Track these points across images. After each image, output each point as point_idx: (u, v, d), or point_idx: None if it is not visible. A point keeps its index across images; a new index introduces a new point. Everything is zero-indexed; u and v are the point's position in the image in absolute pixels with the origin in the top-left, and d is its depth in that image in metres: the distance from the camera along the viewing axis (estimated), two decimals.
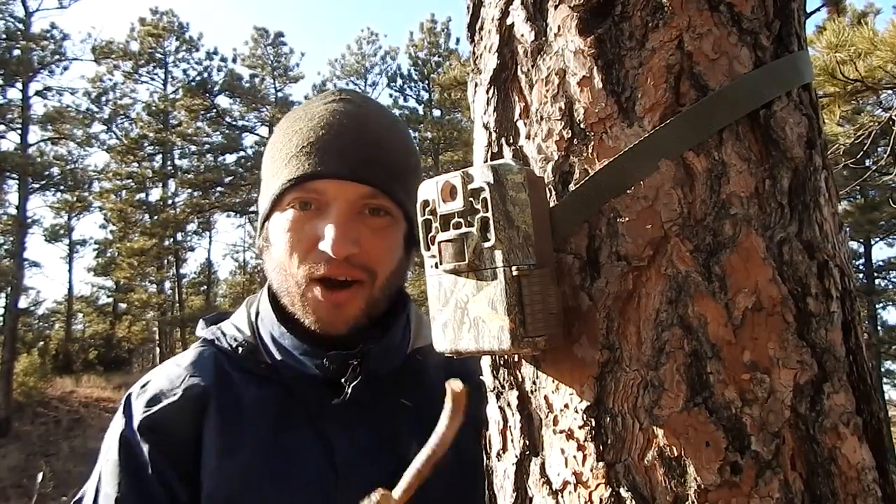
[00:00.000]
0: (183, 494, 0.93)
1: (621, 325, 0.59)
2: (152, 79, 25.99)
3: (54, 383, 21.17)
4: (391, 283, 1.02)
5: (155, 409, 0.97)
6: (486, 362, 0.72)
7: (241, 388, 1.00)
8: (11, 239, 21.74)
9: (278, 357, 1.01)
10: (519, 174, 0.61)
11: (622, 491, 0.57)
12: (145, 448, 0.95)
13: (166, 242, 24.05)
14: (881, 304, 23.16)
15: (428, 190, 0.65)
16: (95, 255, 27.45)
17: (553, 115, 0.64)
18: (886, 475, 0.59)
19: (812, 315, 0.58)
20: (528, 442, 0.65)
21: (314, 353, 0.99)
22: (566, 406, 0.62)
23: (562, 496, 0.61)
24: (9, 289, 20.94)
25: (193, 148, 25.63)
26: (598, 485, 0.59)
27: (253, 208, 23.36)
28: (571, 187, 0.63)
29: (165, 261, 25.54)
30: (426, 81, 27.14)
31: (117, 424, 0.99)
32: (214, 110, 25.32)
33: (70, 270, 27.72)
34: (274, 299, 1.05)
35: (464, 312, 0.63)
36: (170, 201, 25.29)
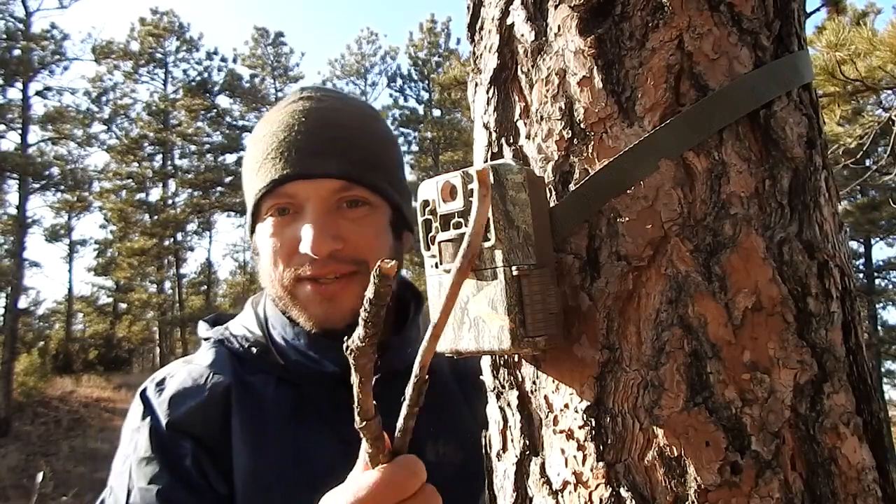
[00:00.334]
0: (222, 489, 0.93)
1: (621, 325, 0.59)
2: (152, 79, 26.01)
3: (54, 383, 21.15)
4: None
5: (184, 407, 0.96)
6: (486, 362, 0.72)
7: (259, 388, 0.99)
8: (11, 239, 21.73)
9: (293, 357, 1.00)
10: (519, 174, 0.61)
11: (622, 491, 0.57)
12: (181, 444, 0.93)
13: (166, 242, 24.05)
14: (881, 304, 23.17)
15: (428, 190, 0.66)
16: (95, 255, 27.45)
17: (553, 115, 0.64)
18: (886, 475, 0.59)
19: (812, 315, 0.58)
20: (528, 442, 0.65)
21: (328, 346, 0.98)
22: (566, 406, 0.62)
23: (562, 496, 0.61)
24: (9, 289, 20.93)
25: (193, 148, 25.63)
26: (598, 485, 0.59)
27: None
28: (571, 187, 0.63)
29: (165, 261, 25.53)
30: (426, 81, 27.14)
31: (141, 422, 0.96)
32: (214, 110, 25.33)
33: (70, 270, 27.74)
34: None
35: (464, 312, 0.63)
36: (170, 201, 25.28)
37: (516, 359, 0.67)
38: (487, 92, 0.71)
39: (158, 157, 25.83)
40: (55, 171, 23.35)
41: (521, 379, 0.66)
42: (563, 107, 0.64)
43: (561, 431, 0.62)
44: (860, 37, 4.85)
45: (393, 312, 1.08)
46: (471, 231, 0.57)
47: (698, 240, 0.58)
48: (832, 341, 0.58)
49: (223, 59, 26.31)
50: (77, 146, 25.03)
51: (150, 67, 25.70)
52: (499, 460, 0.69)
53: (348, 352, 0.59)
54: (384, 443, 0.63)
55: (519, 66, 0.68)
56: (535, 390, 0.65)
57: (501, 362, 0.69)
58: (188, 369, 1.02)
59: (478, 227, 0.57)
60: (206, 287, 29.60)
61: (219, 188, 24.40)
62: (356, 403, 0.60)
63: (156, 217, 24.16)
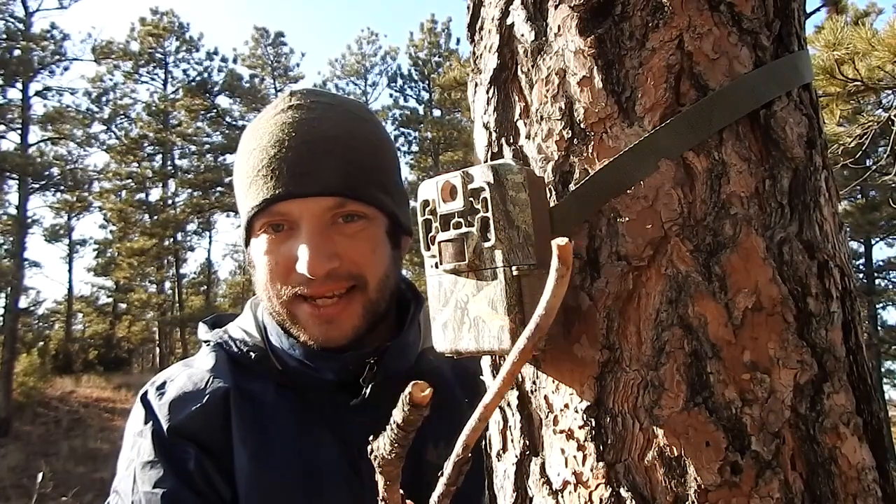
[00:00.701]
0: (225, 492, 0.93)
1: (621, 325, 0.59)
2: (152, 79, 26.03)
3: (54, 383, 21.16)
4: (386, 281, 0.99)
5: (184, 412, 0.95)
6: (486, 362, 0.72)
7: (258, 393, 0.99)
8: (11, 239, 21.74)
9: (291, 364, 1.00)
10: (519, 174, 0.61)
11: (622, 491, 0.57)
12: (184, 448, 0.93)
13: (166, 242, 24.06)
14: (881, 304, 23.16)
15: (428, 190, 0.65)
16: (95, 255, 27.50)
17: (553, 115, 0.64)
18: (886, 475, 0.59)
19: (812, 315, 0.58)
20: (528, 442, 0.65)
21: (327, 357, 0.97)
22: (566, 406, 0.62)
23: (562, 496, 0.61)
24: (9, 289, 20.93)
25: (193, 148, 25.65)
26: (598, 485, 0.59)
27: None
28: (571, 187, 0.63)
29: (165, 261, 25.55)
30: (426, 81, 27.16)
31: (144, 426, 0.96)
32: (214, 110, 25.34)
33: (70, 270, 27.76)
34: None
35: (464, 312, 0.63)
36: (170, 201, 25.30)
37: None
38: (487, 92, 0.71)
39: (158, 158, 25.86)
40: (55, 171, 23.38)
41: (520, 379, 0.66)
42: (563, 107, 0.64)
43: (561, 431, 0.62)
44: (860, 37, 4.84)
45: (394, 314, 1.08)
46: (541, 312, 0.50)
47: (698, 240, 0.58)
48: (832, 341, 0.58)
49: (223, 60, 26.38)
50: (77, 146, 25.08)
51: (150, 67, 25.73)
52: (499, 460, 0.69)
53: (374, 458, 0.58)
54: None
55: (519, 66, 0.68)
56: (535, 390, 0.65)
57: (501, 362, 0.69)
58: (188, 373, 1.01)
59: (550, 309, 0.50)
60: (205, 287, 29.62)
61: (219, 188, 24.40)
62: (380, 499, 0.60)
63: (156, 217, 24.17)
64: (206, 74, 25.77)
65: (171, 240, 24.47)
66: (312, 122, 0.97)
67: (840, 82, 4.95)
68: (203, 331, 1.10)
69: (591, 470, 0.59)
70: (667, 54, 0.60)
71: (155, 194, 25.96)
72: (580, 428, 0.60)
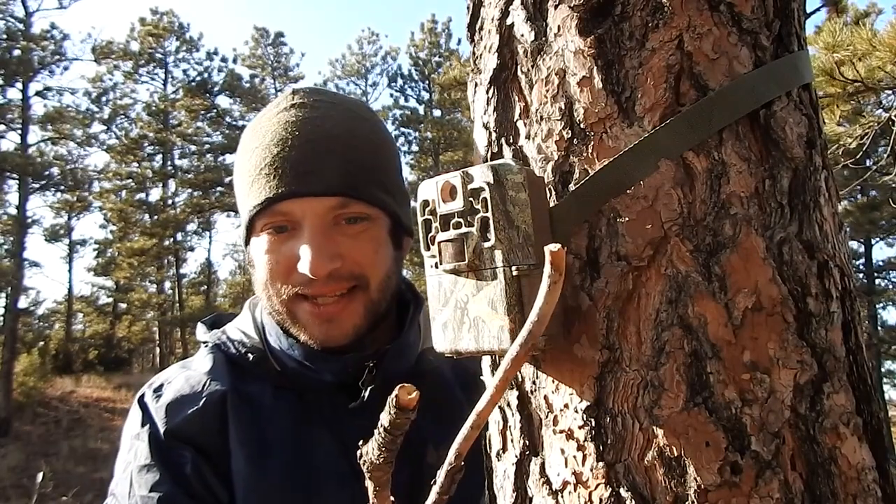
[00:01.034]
0: (223, 496, 0.93)
1: (621, 325, 0.59)
2: (152, 79, 26.03)
3: (54, 383, 21.16)
4: (388, 281, 0.99)
5: (181, 415, 0.95)
6: (486, 362, 0.72)
7: (256, 394, 0.99)
8: (11, 239, 21.73)
9: (290, 365, 0.99)
10: (519, 174, 0.61)
11: (622, 491, 0.57)
12: (181, 451, 0.93)
13: (166, 242, 24.06)
14: (881, 304, 23.16)
15: (428, 190, 0.65)
16: (95, 255, 27.48)
17: (553, 115, 0.64)
18: (886, 475, 0.59)
19: (812, 315, 0.58)
20: (527, 442, 0.65)
21: (327, 358, 0.97)
22: (566, 406, 0.62)
23: (562, 496, 0.61)
24: (9, 289, 20.92)
25: (193, 148, 25.65)
26: (598, 485, 0.59)
27: None
28: (571, 187, 0.63)
29: (165, 261, 25.55)
30: (427, 81, 27.17)
31: (141, 429, 0.96)
32: (214, 110, 25.34)
33: (70, 270, 27.76)
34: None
35: (464, 312, 0.63)
36: (170, 201, 25.30)
37: None
38: (487, 92, 0.71)
39: (158, 158, 25.87)
40: (55, 171, 23.37)
41: (520, 379, 0.66)
42: (563, 107, 0.64)
43: (561, 431, 0.62)
44: (860, 37, 4.85)
45: (394, 315, 1.07)
46: (534, 318, 0.51)
47: (698, 240, 0.58)
48: (832, 341, 0.58)
49: (223, 60, 26.38)
50: (77, 146, 25.08)
51: (149, 67, 25.73)
52: (499, 460, 0.69)
53: (363, 462, 0.58)
54: None
55: (519, 66, 0.68)
56: (535, 390, 0.65)
57: (501, 362, 0.69)
58: (186, 375, 1.01)
59: (542, 316, 0.50)
60: (206, 287, 29.62)
61: (219, 188, 24.40)
62: None
63: (156, 217, 24.17)
64: (206, 74, 25.80)
65: (171, 240, 24.47)
66: (315, 120, 0.97)
67: (840, 83, 4.96)
68: (202, 331, 1.10)
69: (591, 470, 0.59)
70: (667, 54, 0.60)
71: (155, 194, 26.01)
72: (580, 428, 0.60)
